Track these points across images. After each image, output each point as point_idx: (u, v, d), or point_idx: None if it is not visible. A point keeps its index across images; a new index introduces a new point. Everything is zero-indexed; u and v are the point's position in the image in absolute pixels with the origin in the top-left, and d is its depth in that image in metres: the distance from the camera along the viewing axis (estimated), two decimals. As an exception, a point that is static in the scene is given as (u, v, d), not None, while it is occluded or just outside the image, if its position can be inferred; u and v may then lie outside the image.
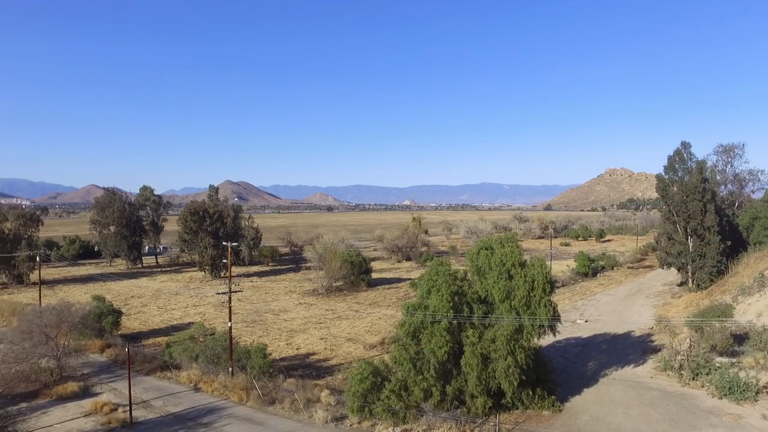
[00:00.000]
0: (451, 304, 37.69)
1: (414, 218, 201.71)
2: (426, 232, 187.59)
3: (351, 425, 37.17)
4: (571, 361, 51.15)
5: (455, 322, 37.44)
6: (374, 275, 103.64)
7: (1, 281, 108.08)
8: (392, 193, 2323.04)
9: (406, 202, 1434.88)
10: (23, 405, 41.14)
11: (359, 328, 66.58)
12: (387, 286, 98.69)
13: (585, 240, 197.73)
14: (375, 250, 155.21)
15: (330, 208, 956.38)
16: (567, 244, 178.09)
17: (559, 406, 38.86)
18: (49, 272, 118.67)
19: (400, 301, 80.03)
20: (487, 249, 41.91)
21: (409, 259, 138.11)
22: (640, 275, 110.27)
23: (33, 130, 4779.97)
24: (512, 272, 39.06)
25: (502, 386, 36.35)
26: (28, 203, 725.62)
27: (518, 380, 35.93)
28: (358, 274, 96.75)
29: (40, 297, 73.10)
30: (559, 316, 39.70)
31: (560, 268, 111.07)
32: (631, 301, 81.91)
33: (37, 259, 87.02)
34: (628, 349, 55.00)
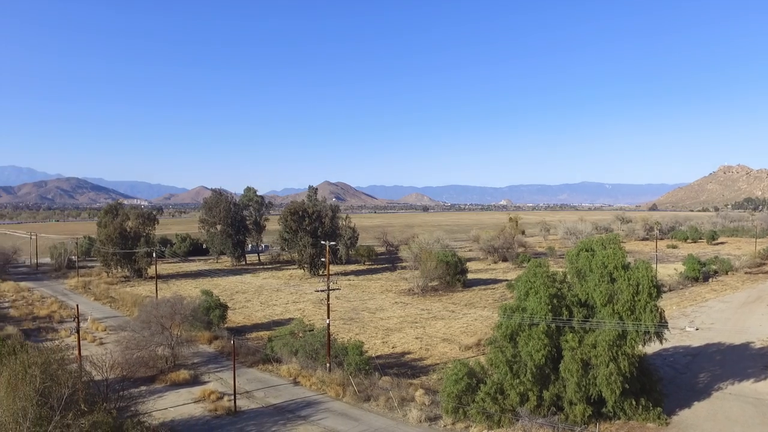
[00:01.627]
0: (549, 307, 36.71)
1: (510, 218, 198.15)
2: (523, 232, 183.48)
3: (445, 426, 37.15)
4: (679, 372, 48.15)
5: (554, 325, 36.42)
6: (470, 276, 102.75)
7: (124, 275, 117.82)
8: (488, 192, 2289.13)
9: (503, 202, 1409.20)
10: (143, 388, 44.65)
11: (455, 329, 66.31)
12: (483, 287, 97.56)
13: (694, 242, 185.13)
14: (470, 250, 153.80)
15: (425, 208, 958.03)
16: (674, 247, 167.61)
17: (666, 419, 36.70)
18: (163, 267, 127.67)
19: (497, 302, 78.86)
20: (587, 250, 40.42)
21: (505, 260, 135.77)
22: (759, 281, 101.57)
23: (152, 137, 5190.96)
24: (615, 275, 37.43)
25: (603, 394, 34.94)
26: (146, 204, 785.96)
27: (621, 388, 34.36)
28: (453, 275, 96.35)
29: (156, 290, 78.88)
30: (666, 322, 37.53)
31: (667, 271, 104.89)
32: (750, 309, 75.63)
33: (154, 255, 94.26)
34: (747, 361, 50.86)
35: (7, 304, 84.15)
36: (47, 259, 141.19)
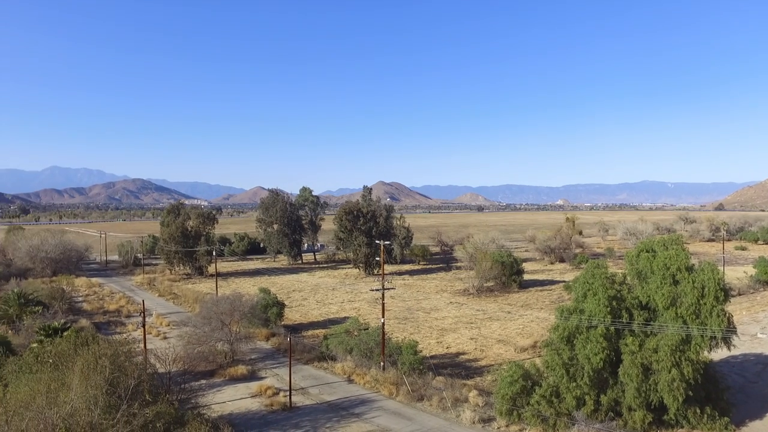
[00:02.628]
0: (608, 309, 35.74)
1: (567, 218, 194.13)
2: (580, 232, 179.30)
3: (498, 428, 36.75)
4: (749, 381, 45.88)
5: (612, 328, 35.44)
6: (526, 276, 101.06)
7: (186, 272, 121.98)
8: (544, 192, 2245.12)
9: (559, 202, 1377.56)
10: (203, 382, 46.16)
11: (510, 330, 65.46)
12: (539, 288, 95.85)
13: (766, 244, 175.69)
14: (526, 251, 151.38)
15: (480, 208, 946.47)
16: (743, 248, 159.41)
17: (734, 429, 35.05)
18: (222, 266, 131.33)
19: (554, 303, 77.29)
20: (648, 251, 39.08)
21: (562, 260, 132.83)
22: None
23: (212, 139, 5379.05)
24: (678, 277, 36.02)
25: (664, 400, 33.70)
26: (206, 204, 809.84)
27: (684, 395, 33.03)
28: (509, 275, 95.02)
29: (216, 287, 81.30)
30: (734, 327, 35.81)
31: (735, 274, 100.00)
32: (828, 315, 71.24)
33: (213, 253, 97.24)
34: (824, 370, 47.98)
35: (80, 299, 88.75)
36: (115, 257, 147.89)
